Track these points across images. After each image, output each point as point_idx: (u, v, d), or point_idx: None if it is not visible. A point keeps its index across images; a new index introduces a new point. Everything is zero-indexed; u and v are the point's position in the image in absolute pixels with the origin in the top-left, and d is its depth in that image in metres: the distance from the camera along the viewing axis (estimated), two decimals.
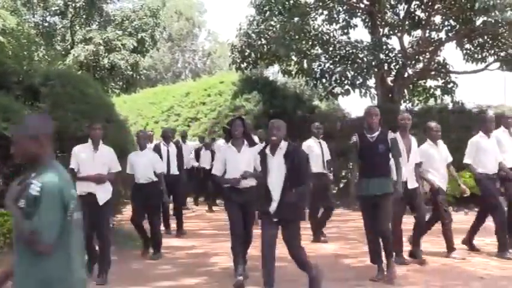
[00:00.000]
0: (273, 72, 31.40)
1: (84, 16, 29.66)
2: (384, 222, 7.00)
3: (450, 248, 8.48)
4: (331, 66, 17.92)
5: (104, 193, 7.41)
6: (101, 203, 7.33)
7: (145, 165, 8.89)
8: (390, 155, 7.12)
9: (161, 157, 11.13)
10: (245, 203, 7.18)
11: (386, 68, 17.76)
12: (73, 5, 28.85)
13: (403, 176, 7.52)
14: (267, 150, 6.36)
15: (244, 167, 7.05)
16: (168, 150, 11.32)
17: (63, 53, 27.76)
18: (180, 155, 12.02)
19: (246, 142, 7.34)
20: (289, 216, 6.22)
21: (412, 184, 7.95)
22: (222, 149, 8.27)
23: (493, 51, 18.40)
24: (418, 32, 19.18)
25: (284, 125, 6.38)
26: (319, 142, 10.13)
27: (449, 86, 18.99)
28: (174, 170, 11.40)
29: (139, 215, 9.07)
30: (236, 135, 7.28)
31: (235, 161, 7.17)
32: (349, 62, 17.31)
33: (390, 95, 18.14)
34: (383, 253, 7.13)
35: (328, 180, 10.27)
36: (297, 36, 17.72)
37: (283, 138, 6.32)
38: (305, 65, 18.41)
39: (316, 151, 9.86)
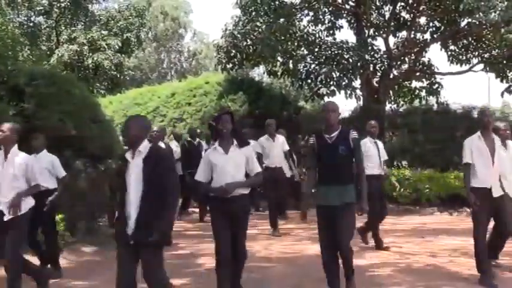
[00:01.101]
0: (258, 73, 31.42)
1: (69, 16, 29.49)
2: (345, 238, 5.90)
3: None
4: (317, 67, 17.89)
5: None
6: (5, 219, 6.17)
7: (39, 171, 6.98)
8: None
9: None
10: (235, 215, 5.97)
11: (371, 68, 17.79)
12: (58, 4, 28.64)
13: (487, 182, 6.76)
14: (128, 154, 5.09)
15: (233, 171, 5.92)
16: None
17: (48, 53, 27.59)
18: (187, 156, 12.64)
19: (235, 142, 6.07)
20: (146, 239, 4.83)
21: (497, 192, 6.84)
22: (207, 151, 6.77)
23: (477, 53, 18.53)
24: (403, 33, 19.25)
25: (141, 123, 5.20)
26: (375, 142, 9.33)
27: (434, 87, 19.06)
28: None
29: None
30: (224, 134, 6.03)
31: (222, 165, 5.93)
32: (335, 62, 17.30)
33: (376, 96, 18.18)
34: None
35: (383, 181, 9.65)
36: (282, 37, 17.71)
37: (142, 138, 5.06)
38: (291, 66, 18.38)
39: (373, 151, 9.12)
